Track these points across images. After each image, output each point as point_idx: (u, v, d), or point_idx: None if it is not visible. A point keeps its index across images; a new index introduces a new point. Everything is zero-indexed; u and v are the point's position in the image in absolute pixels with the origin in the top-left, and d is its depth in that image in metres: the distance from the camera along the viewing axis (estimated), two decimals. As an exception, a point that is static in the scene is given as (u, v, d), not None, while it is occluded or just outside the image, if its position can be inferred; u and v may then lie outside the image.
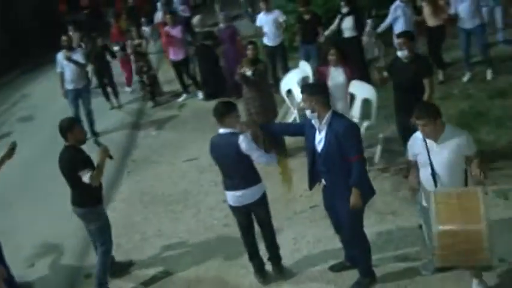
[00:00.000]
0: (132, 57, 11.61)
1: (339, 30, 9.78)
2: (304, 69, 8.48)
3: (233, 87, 10.53)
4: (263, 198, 5.25)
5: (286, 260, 5.65)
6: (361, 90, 7.24)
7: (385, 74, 6.58)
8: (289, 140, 7.85)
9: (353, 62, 9.11)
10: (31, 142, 9.95)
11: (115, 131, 10.39)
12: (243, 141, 4.87)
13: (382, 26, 9.64)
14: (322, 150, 4.66)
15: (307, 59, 9.88)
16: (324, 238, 5.98)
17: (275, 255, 5.49)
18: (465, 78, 9.40)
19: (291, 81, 8.24)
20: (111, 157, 5.45)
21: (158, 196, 7.64)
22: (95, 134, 10.00)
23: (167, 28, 11.17)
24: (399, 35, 6.49)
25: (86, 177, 5.12)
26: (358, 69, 9.02)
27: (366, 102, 7.29)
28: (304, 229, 6.26)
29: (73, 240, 6.81)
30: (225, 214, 6.54)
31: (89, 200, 5.41)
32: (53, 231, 7.04)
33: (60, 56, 9.67)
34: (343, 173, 4.63)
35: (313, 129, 4.70)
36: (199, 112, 10.64)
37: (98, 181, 5.22)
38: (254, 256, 5.44)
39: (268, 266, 5.55)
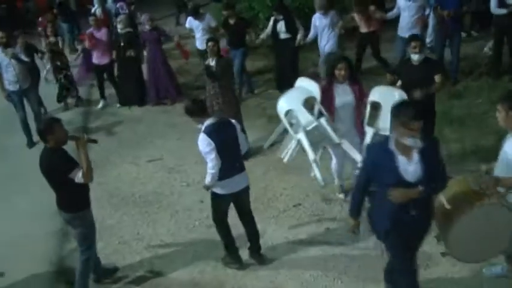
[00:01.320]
0: (46, 56, 10.84)
1: (273, 33, 9.92)
2: (308, 87, 6.23)
3: (157, 92, 10.56)
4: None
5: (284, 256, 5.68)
6: (388, 97, 5.76)
7: (395, 76, 6.79)
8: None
9: (287, 61, 9.92)
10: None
11: None
12: (236, 124, 5.37)
13: (308, 38, 9.74)
14: (420, 177, 3.95)
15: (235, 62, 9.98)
16: (317, 235, 5.97)
17: (258, 243, 5.68)
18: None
19: (294, 102, 6.08)
20: (95, 141, 5.28)
21: (128, 198, 7.29)
22: None
23: (91, 30, 10.50)
24: (412, 39, 6.60)
25: (78, 177, 4.76)
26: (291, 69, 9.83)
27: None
28: (294, 227, 6.24)
29: (43, 243, 6.35)
30: (206, 215, 6.37)
31: (77, 204, 5.08)
32: (20, 233, 6.52)
33: None
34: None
35: (390, 161, 3.95)
36: (148, 113, 10.37)
37: (92, 177, 4.88)
38: (232, 246, 5.60)
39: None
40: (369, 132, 5.89)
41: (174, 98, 10.63)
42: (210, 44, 7.77)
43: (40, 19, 15.01)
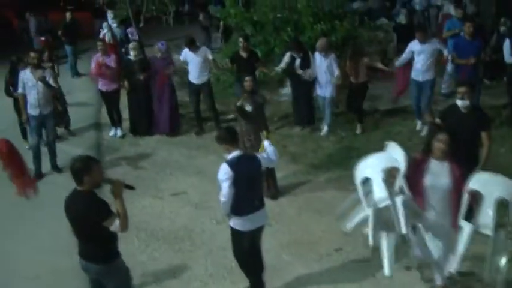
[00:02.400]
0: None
1: (289, 69, 9.88)
2: (392, 155, 5.30)
3: (165, 121, 10.30)
4: None
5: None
6: (493, 186, 4.90)
7: (438, 120, 6.54)
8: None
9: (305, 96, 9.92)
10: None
11: None
12: (262, 158, 5.26)
13: (307, 74, 9.70)
14: None
15: None
16: (364, 282, 5.75)
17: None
18: (418, 127, 9.77)
19: (373, 169, 5.14)
20: (132, 187, 4.67)
21: (157, 233, 6.96)
22: (57, 169, 8.88)
23: (97, 56, 10.17)
24: (461, 84, 6.41)
25: (114, 226, 4.29)
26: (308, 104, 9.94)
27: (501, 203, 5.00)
28: (340, 272, 6.01)
29: (71, 278, 5.95)
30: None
31: (111, 253, 4.56)
32: (47, 268, 6.17)
33: (26, 76, 8.43)
34: None
35: None
36: (162, 143, 10.10)
37: (127, 227, 4.42)
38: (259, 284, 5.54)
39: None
40: (466, 228, 4.87)
41: (174, 129, 10.44)
42: (247, 78, 7.57)
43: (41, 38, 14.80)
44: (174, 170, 8.87)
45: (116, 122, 10.56)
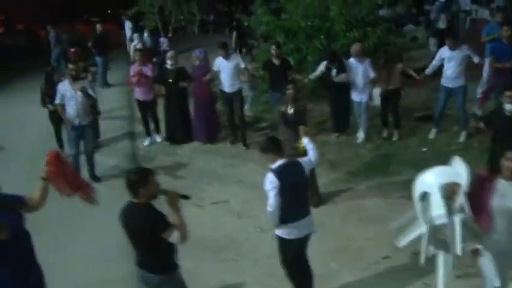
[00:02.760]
0: None
1: (325, 77, 9.88)
2: (457, 170, 4.74)
3: (203, 129, 10.34)
4: None
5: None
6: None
7: (481, 124, 6.44)
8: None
9: (342, 103, 9.94)
10: (7, 177, 8.85)
11: (115, 176, 9.11)
12: (304, 162, 5.27)
13: (342, 77, 9.69)
14: None
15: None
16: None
17: None
18: (431, 135, 9.72)
19: (433, 183, 4.69)
20: (187, 197, 4.52)
21: (201, 242, 6.87)
22: (96, 178, 8.93)
23: (135, 66, 10.32)
24: (509, 88, 6.34)
25: (174, 237, 4.20)
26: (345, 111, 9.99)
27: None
28: (389, 281, 5.91)
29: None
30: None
31: (170, 264, 4.51)
32: (97, 277, 6.17)
33: (65, 87, 8.47)
34: None
35: None
36: (198, 152, 10.12)
37: (187, 238, 4.35)
38: None
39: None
40: None
41: (214, 136, 10.54)
42: (289, 86, 7.55)
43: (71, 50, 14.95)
44: (212, 179, 8.87)
45: (152, 130, 10.65)
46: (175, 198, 4.35)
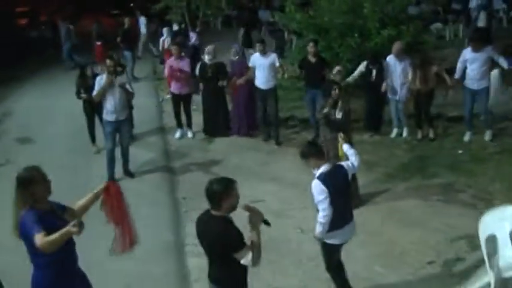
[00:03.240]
0: None
1: (365, 78, 9.88)
2: None
3: (241, 123, 10.42)
4: None
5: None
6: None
7: None
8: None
9: (377, 104, 9.95)
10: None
11: (149, 171, 9.22)
12: (347, 166, 5.20)
13: (383, 86, 9.69)
14: None
15: (313, 104, 9.78)
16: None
17: None
18: (466, 138, 9.55)
19: (502, 226, 3.94)
20: (268, 223, 4.29)
21: (242, 242, 6.87)
22: (130, 174, 8.92)
23: (171, 60, 10.44)
24: None
25: (246, 259, 4.00)
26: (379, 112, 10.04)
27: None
28: (435, 287, 5.82)
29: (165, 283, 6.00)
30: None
31: (238, 281, 4.28)
32: (142, 272, 6.21)
33: (103, 81, 8.36)
34: None
35: None
36: (232, 148, 10.06)
37: (259, 262, 4.15)
38: None
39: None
40: None
41: (251, 131, 10.58)
42: (335, 87, 7.41)
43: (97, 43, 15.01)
44: (247, 176, 8.75)
45: (183, 124, 10.69)
46: (259, 217, 4.19)
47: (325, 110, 7.28)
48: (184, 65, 10.30)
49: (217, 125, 10.63)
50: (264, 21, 22.20)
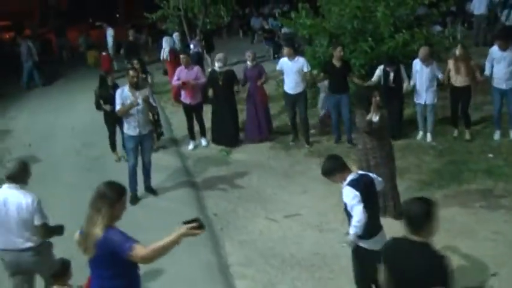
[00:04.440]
0: None
1: (384, 82, 9.68)
2: None
3: (256, 130, 10.26)
4: None
5: None
6: None
7: None
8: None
9: (395, 109, 9.68)
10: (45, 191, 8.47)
11: (171, 188, 8.80)
12: (376, 179, 5.04)
13: (411, 84, 9.58)
14: None
15: (338, 109, 9.69)
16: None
17: None
18: (496, 136, 9.46)
19: None
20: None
21: (289, 259, 6.52)
22: (152, 191, 8.53)
23: (181, 70, 10.09)
24: None
25: None
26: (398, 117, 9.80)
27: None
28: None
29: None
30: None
31: None
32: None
33: (124, 94, 7.94)
34: None
35: None
36: (251, 159, 9.72)
37: None
38: None
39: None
40: None
41: (267, 137, 10.41)
42: (375, 93, 7.08)
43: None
44: (275, 189, 8.47)
45: (196, 134, 10.44)
46: None
47: (368, 117, 6.94)
48: (196, 73, 10.04)
49: (227, 135, 10.34)
50: (257, 29, 22.00)
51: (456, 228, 6.90)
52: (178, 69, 10.18)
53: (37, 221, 4.92)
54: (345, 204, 4.87)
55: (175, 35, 14.89)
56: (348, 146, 9.72)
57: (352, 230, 4.78)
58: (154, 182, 8.75)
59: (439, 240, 6.48)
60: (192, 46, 13.77)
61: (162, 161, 9.69)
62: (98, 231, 3.71)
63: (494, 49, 9.16)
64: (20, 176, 5.00)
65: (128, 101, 7.92)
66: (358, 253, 5.03)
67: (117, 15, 26.31)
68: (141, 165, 8.41)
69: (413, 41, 10.89)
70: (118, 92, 8.04)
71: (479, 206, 7.43)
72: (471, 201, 7.58)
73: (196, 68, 10.28)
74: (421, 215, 3.47)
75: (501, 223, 6.93)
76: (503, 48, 8.97)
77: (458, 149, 9.34)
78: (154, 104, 8.26)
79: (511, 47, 9.00)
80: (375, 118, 6.86)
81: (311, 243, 6.84)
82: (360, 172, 5.12)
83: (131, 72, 7.95)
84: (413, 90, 9.66)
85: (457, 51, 9.22)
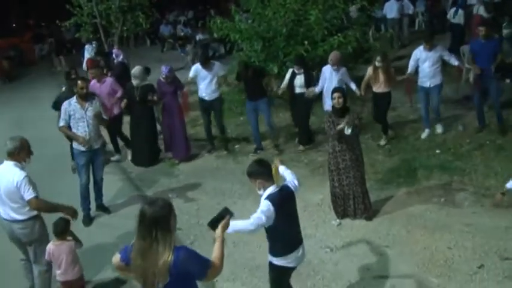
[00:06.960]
0: None
1: (289, 86, 9.66)
2: None
3: (183, 146, 9.77)
4: None
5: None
6: None
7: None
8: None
9: (303, 115, 9.76)
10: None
11: (123, 204, 8.22)
12: (292, 185, 4.79)
13: (318, 89, 9.45)
14: None
15: (255, 115, 9.56)
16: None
17: None
18: (424, 135, 9.83)
19: None
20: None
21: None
22: (105, 209, 7.92)
23: (94, 84, 9.37)
24: None
25: None
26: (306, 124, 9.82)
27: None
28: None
29: None
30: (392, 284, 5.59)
31: None
32: None
33: (71, 107, 7.26)
34: None
35: None
36: (202, 169, 9.34)
37: None
38: None
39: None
40: None
41: (185, 155, 9.85)
42: (336, 95, 6.82)
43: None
44: (234, 197, 8.14)
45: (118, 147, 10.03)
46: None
47: (340, 126, 6.74)
48: (110, 86, 9.56)
49: (143, 155, 9.72)
50: (167, 37, 21.45)
51: (431, 224, 6.95)
52: (91, 84, 9.02)
53: (27, 197, 5.21)
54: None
55: (94, 44, 13.98)
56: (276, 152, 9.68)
57: (245, 226, 4.40)
58: (104, 199, 8.11)
59: (420, 238, 6.58)
60: (113, 55, 12.98)
61: (106, 176, 9.00)
62: (167, 258, 3.31)
63: (420, 49, 9.50)
64: (16, 153, 5.32)
65: (77, 115, 7.26)
66: (273, 267, 4.80)
67: (13, 25, 24.53)
68: (92, 182, 7.75)
69: (346, 44, 11.00)
70: (64, 105, 7.32)
71: (443, 200, 7.54)
72: (435, 197, 7.68)
73: (109, 81, 9.64)
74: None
75: (470, 215, 7.07)
76: (428, 48, 9.33)
77: (405, 147, 9.49)
78: (105, 117, 7.59)
79: (435, 48, 9.38)
80: (347, 131, 6.69)
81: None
82: (284, 186, 4.75)
83: (80, 83, 7.23)
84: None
85: (377, 63, 9.24)
